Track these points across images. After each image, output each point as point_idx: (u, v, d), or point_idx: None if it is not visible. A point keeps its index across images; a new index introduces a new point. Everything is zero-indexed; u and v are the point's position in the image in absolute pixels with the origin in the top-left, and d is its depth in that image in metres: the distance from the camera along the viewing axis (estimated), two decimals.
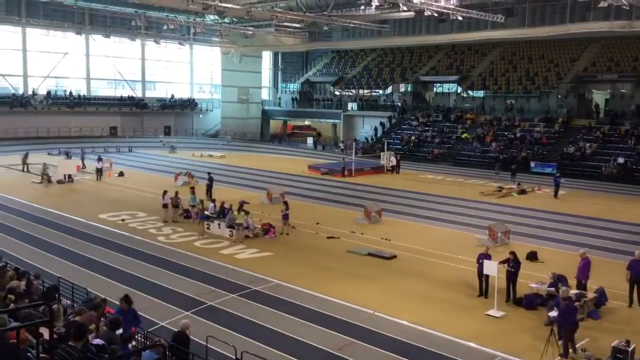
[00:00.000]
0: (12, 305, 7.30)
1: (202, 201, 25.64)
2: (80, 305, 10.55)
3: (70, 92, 56.35)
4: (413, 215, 27.15)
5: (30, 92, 53.61)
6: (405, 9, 38.86)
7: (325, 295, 15.80)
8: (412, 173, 42.04)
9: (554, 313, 13.07)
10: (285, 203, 23.97)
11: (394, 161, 42.59)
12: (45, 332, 5.63)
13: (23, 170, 37.06)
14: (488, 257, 16.01)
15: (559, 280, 15.52)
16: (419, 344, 12.88)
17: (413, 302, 15.73)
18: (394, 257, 19.89)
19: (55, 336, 5.23)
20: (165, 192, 25.21)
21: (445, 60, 61.20)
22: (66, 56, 56.07)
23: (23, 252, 19.30)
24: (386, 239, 22.26)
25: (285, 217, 23.17)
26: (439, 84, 60.19)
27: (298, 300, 15.47)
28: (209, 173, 32.19)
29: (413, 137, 51.76)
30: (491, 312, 14.75)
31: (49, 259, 18.67)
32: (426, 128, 53.29)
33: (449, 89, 58.51)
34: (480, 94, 55.05)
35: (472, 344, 12.90)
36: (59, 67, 56.05)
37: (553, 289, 15.03)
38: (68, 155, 37.71)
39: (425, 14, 37.69)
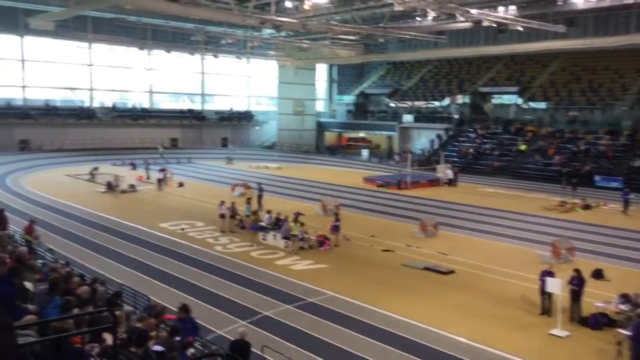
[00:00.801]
0: (76, 310, 7.51)
1: (255, 212, 25.98)
2: (141, 312, 10.79)
3: (134, 105, 58.37)
4: (471, 230, 26.53)
5: (95, 105, 55.83)
6: (462, 19, 38.35)
7: (381, 309, 15.59)
8: (470, 186, 41.20)
9: (628, 331, 12.35)
10: (336, 214, 23.90)
11: (450, 174, 41.85)
12: (108, 337, 5.74)
13: (90, 180, 38.43)
14: (551, 274, 15.43)
15: (627, 299, 14.78)
16: None
17: (471, 318, 15.32)
18: (451, 271, 19.47)
19: (117, 342, 5.33)
20: (222, 203, 25.62)
21: (504, 71, 59.93)
22: (130, 70, 58.20)
23: (88, 258, 19.98)
24: (443, 253, 21.84)
25: (335, 228, 23.09)
26: (498, 96, 58.86)
27: (353, 313, 15.34)
28: (259, 184, 32.58)
29: (471, 150, 50.78)
30: (555, 331, 14.18)
31: (112, 266, 19.25)
32: (485, 140, 52.20)
33: (508, 100, 57.12)
34: (541, 105, 53.51)
35: None
36: (123, 81, 58.22)
37: (625, 306, 14.31)
38: (133, 166, 38.96)
39: (483, 24, 37.06)
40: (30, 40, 50.82)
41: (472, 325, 14.65)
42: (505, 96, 57.71)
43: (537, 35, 45.05)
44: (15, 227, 20.81)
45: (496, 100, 58.88)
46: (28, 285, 8.27)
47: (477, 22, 38.15)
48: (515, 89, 55.93)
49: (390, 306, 15.76)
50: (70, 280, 9.99)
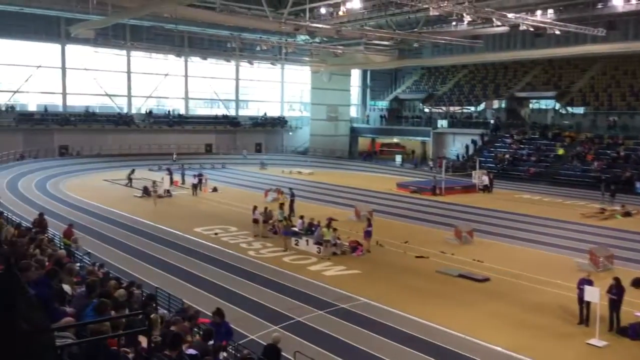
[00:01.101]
0: (112, 313, 7.64)
1: (288, 217, 26.06)
2: (174, 315, 10.92)
3: (169, 111, 59.38)
4: (507, 237, 26.08)
5: (133, 112, 56.98)
6: (499, 24, 37.84)
7: (415, 316, 15.44)
8: (506, 192, 40.53)
9: None
10: (369, 220, 23.79)
11: (486, 180, 41.23)
12: (143, 340, 5.81)
13: (127, 185, 39.22)
14: (589, 282, 15.04)
15: None
16: None
17: (507, 326, 15.04)
18: (487, 279, 19.15)
19: (151, 345, 5.41)
20: (255, 208, 25.80)
21: (541, 75, 58.88)
22: (166, 77, 59.26)
23: (124, 262, 20.35)
24: (478, 261, 21.51)
25: (368, 233, 22.98)
26: (535, 100, 57.92)
27: (386, 320, 15.22)
28: (291, 189, 32.69)
29: (507, 155, 49.99)
30: (593, 341, 13.81)
31: (148, 269, 19.55)
32: (521, 146, 51.32)
33: (546, 105, 56.15)
34: (580, 110, 52.39)
35: None
36: (159, 88, 59.32)
37: None
38: (170, 172, 39.59)
39: (520, 28, 36.50)
40: (70, 48, 52.22)
41: (508, 334, 14.38)
42: (543, 101, 56.75)
43: (575, 39, 44.14)
44: (55, 230, 21.33)
45: (533, 105, 57.94)
46: (66, 287, 8.46)
47: (514, 26, 37.63)
48: (552, 93, 54.94)
49: (424, 313, 15.59)
50: (107, 283, 10.19)
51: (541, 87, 57.07)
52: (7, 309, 2.80)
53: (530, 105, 58.25)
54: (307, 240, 22.94)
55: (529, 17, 36.43)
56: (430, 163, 53.80)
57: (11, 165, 43.90)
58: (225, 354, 9.34)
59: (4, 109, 49.36)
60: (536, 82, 58.35)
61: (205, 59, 56.05)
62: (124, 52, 55.20)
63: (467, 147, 54.75)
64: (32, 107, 53.08)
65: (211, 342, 8.68)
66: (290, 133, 66.14)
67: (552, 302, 16.87)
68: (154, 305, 11.76)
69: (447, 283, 18.85)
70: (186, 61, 59.21)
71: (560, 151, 47.49)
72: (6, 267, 2.91)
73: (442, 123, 59.32)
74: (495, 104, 58.32)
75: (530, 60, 58.39)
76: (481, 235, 25.76)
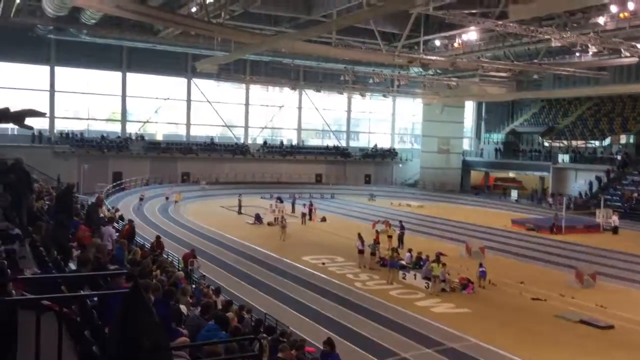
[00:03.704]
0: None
1: (395, 249, 25.78)
2: (277, 336, 11.02)
3: (282, 142, 61.39)
4: (635, 282, 23.96)
5: (249, 141, 59.55)
6: (627, 54, 35.53)
7: None
8: (635, 234, 37.39)
9: None
10: (480, 263, 22.97)
11: (616, 220, 38.15)
12: None
13: (239, 213, 40.73)
14: None
15: None
16: None
17: None
18: (611, 327, 17.64)
19: None
20: (360, 238, 25.75)
21: None
22: (281, 109, 61.50)
23: (234, 285, 21.03)
24: (601, 306, 19.90)
25: (483, 274, 22.16)
26: None
27: None
28: (400, 221, 32.30)
29: (636, 194, 46.30)
30: None
31: (256, 295, 20.05)
32: None
33: None
34: None
35: None
36: (274, 119, 61.65)
37: None
38: (280, 200, 40.77)
39: None
40: (195, 82, 55.84)
41: None
42: None
43: None
44: (173, 252, 22.55)
45: None
46: (182, 308, 8.86)
47: None
48: None
49: (540, 359, 14.61)
50: (227, 307, 10.55)
51: None
52: (132, 326, 2.96)
53: None
54: (414, 274, 22.47)
55: None
56: (550, 199, 51.00)
57: (138, 190, 47.26)
58: None
59: (134, 138, 53.51)
60: None
61: (319, 91, 57.58)
62: (243, 85, 58.09)
63: (590, 184, 51.40)
64: (158, 137, 57.09)
65: None
66: (400, 165, 65.75)
67: None
68: (261, 329, 11.99)
69: (566, 328, 17.59)
70: (300, 93, 61.16)
71: None
72: (133, 286, 3.09)
73: (564, 158, 56.21)
74: (623, 138, 54.42)
75: None
76: (605, 279, 23.88)
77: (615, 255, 29.84)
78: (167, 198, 44.34)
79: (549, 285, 22.62)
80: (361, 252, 25.38)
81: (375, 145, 65.35)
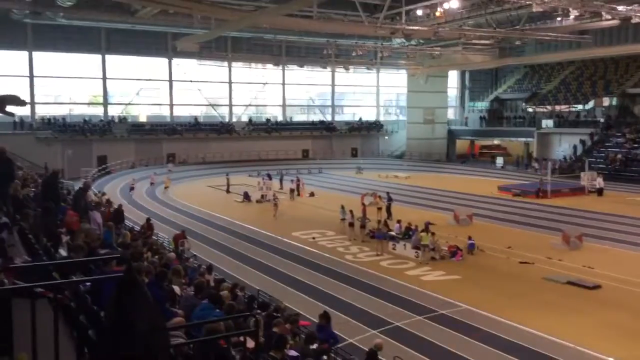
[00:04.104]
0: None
1: (384, 221, 26.00)
2: (271, 311, 11.13)
3: (267, 119, 61.09)
4: (620, 242, 24.43)
5: (234, 120, 59.18)
6: (608, 17, 35.59)
7: (520, 324, 14.82)
8: (618, 195, 37.96)
9: None
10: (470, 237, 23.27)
11: (600, 182, 38.61)
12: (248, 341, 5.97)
13: (227, 192, 40.64)
14: None
15: None
16: None
17: (620, 337, 14.10)
18: (598, 286, 18.03)
19: (259, 346, 5.59)
20: (351, 212, 25.91)
21: None
22: (265, 86, 61.07)
23: (226, 263, 21.13)
24: (588, 267, 20.29)
25: (472, 246, 22.49)
26: None
27: (489, 327, 14.73)
28: (387, 193, 32.49)
29: (619, 156, 46.83)
30: None
31: (249, 272, 20.18)
32: (635, 145, 47.88)
33: None
34: None
35: None
36: (258, 96, 61.24)
37: None
38: (269, 177, 40.75)
39: (632, 21, 34.12)
40: (177, 61, 55.14)
41: (621, 345, 13.47)
42: None
43: None
44: (163, 234, 22.56)
45: None
46: (175, 289, 8.92)
47: (626, 19, 35.24)
48: None
49: (529, 321, 14.93)
50: (219, 285, 10.64)
51: None
52: (128, 309, 3.00)
53: None
54: (404, 245, 22.71)
55: None
56: (536, 165, 51.44)
57: (124, 173, 46.97)
58: (325, 358, 9.44)
59: (117, 120, 52.97)
60: None
61: (302, 66, 57.22)
62: (225, 63, 57.50)
63: (574, 147, 51.87)
64: (142, 119, 56.53)
65: (314, 346, 8.80)
66: (386, 137, 65.79)
67: None
68: (255, 306, 12.11)
69: (554, 290, 17.94)
70: (284, 69, 60.68)
71: None
72: (126, 270, 3.12)
73: (547, 123, 56.53)
74: (606, 101, 54.78)
75: None
76: (591, 240, 24.30)
77: (601, 216, 30.32)
78: (151, 183, 43.42)
79: (536, 249, 22.98)
80: (351, 224, 25.55)
81: (361, 119, 65.27)
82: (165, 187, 41.88)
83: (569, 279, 18.72)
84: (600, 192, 38.21)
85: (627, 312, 15.83)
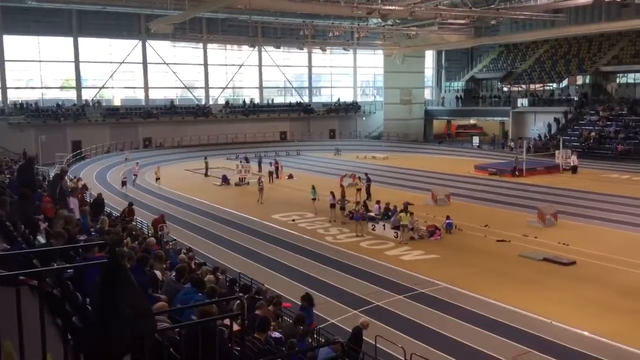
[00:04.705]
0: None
1: (364, 202, 26.16)
2: (253, 294, 11.20)
3: (244, 101, 60.65)
4: (594, 218, 24.95)
5: (210, 103, 58.65)
6: None
7: (497, 301, 15.11)
8: (592, 172, 38.68)
9: None
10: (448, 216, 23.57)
11: (575, 160, 39.24)
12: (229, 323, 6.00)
13: (206, 175, 40.39)
14: None
15: None
16: (601, 357, 11.81)
17: (595, 311, 14.47)
18: (573, 262, 18.43)
19: (245, 328, 5.63)
20: (331, 193, 26.01)
21: (629, 47, 55.41)
22: (241, 68, 60.51)
23: (207, 248, 21.10)
24: (563, 244, 20.72)
25: (449, 225, 22.78)
26: (622, 74, 54.75)
27: (467, 304, 15.00)
28: (366, 174, 32.65)
29: (593, 133, 47.62)
30: None
31: (229, 255, 20.19)
32: (608, 123, 48.73)
33: (634, 79, 52.96)
34: None
35: None
36: (235, 78, 60.70)
37: None
38: (247, 160, 40.57)
39: None
40: (151, 44, 54.27)
41: (596, 319, 13.84)
42: (631, 74, 53.58)
43: None
44: (142, 219, 22.40)
45: (620, 79, 54.80)
46: (157, 274, 8.91)
47: None
48: None
49: (507, 298, 15.24)
50: (200, 268, 10.64)
51: (629, 60, 53.77)
52: (113, 295, 3.00)
53: (618, 80, 55.15)
54: (384, 225, 22.90)
55: None
56: (511, 144, 52.06)
57: (99, 158, 46.36)
58: (309, 339, 9.55)
59: (91, 104, 52.10)
60: (623, 55, 55.02)
61: (278, 47, 56.72)
62: (201, 45, 56.77)
63: (549, 126, 52.58)
64: (116, 102, 55.72)
65: (301, 328, 8.89)
66: (364, 118, 65.89)
67: None
68: (236, 289, 12.15)
69: (530, 267, 18.30)
70: (260, 51, 60.17)
71: None
72: (111, 255, 3.12)
73: (522, 102, 57.18)
74: (580, 79, 55.57)
75: (617, 32, 55.01)
76: (566, 218, 24.79)
77: (575, 194, 30.91)
78: (135, 175, 38.51)
79: (512, 227, 23.37)
80: (332, 206, 25.67)
81: (338, 100, 65.19)
82: (157, 179, 36.64)
83: (544, 256, 19.10)
84: (574, 169, 38.87)
85: (601, 287, 16.23)
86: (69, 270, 5.16)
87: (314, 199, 27.45)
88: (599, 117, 49.76)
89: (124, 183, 34.53)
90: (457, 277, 17.15)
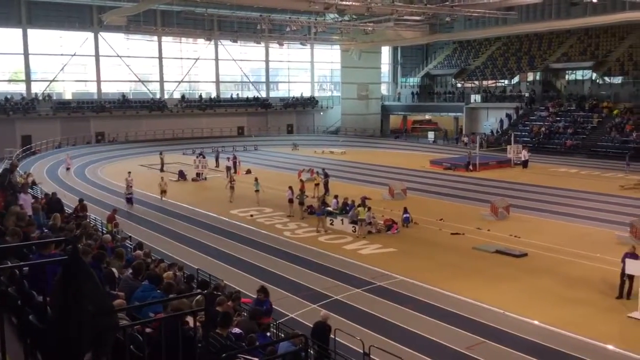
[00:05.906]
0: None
1: (322, 197, 26.31)
2: (212, 290, 11.16)
3: (201, 95, 59.90)
4: (544, 211, 25.76)
5: (166, 97, 57.68)
6: None
7: (452, 292, 15.49)
8: (542, 166, 39.90)
9: None
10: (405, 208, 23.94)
11: (525, 155, 40.35)
12: (190, 320, 5.99)
13: (161, 170, 39.72)
14: (634, 256, 14.83)
15: None
16: (552, 345, 12.27)
17: (545, 301, 14.98)
18: (525, 254, 19.03)
19: (207, 324, 5.63)
20: (290, 188, 26.04)
21: (577, 45, 57.32)
22: (197, 61, 59.71)
23: (162, 244, 20.83)
24: (515, 236, 21.36)
25: (407, 219, 23.15)
26: (571, 71, 56.53)
27: (423, 296, 15.32)
28: (323, 169, 32.83)
29: (543, 129, 49.09)
30: (635, 314, 13.66)
31: (187, 252, 19.99)
32: (557, 118, 50.29)
33: (582, 75, 54.77)
34: (618, 80, 50.94)
35: (610, 347, 12.07)
36: (191, 72, 59.86)
37: None
38: (202, 156, 40.07)
39: None
40: (103, 36, 52.95)
41: (546, 309, 14.34)
42: (579, 72, 55.40)
43: (613, 6, 42.73)
44: (95, 215, 21.93)
45: (569, 76, 56.61)
46: (114, 271, 8.77)
47: None
48: (589, 63, 53.57)
49: (461, 290, 15.63)
50: (158, 265, 10.53)
51: (577, 58, 55.63)
52: (75, 292, 2.98)
53: (567, 77, 56.92)
54: (342, 220, 23.08)
55: None
56: (465, 139, 53.15)
57: (50, 153, 45.04)
58: (268, 333, 9.58)
59: (41, 98, 50.51)
60: (572, 53, 56.88)
61: (235, 41, 56.19)
62: (155, 38, 55.73)
63: (501, 121, 53.89)
64: (67, 96, 54.16)
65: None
66: (321, 113, 66.03)
67: (592, 276, 16.71)
68: (194, 285, 12.06)
69: (484, 259, 18.80)
70: (216, 45, 59.51)
71: (616, 111, 46.51)
72: (72, 253, 3.09)
73: (476, 98, 58.41)
74: (530, 76, 57.13)
75: (566, 30, 56.85)
76: (518, 211, 25.52)
77: (526, 187, 31.83)
78: (67, 168, 38.93)
79: (466, 220, 23.93)
80: (290, 201, 25.69)
81: (302, 94, 65.09)
82: (163, 191, 30.47)
83: (497, 248, 19.65)
84: (525, 164, 39.98)
85: (551, 278, 16.81)
86: (24, 269, 5.06)
87: (257, 191, 28.23)
88: (549, 113, 51.30)
89: (129, 200, 28.76)
90: (413, 270, 17.47)
